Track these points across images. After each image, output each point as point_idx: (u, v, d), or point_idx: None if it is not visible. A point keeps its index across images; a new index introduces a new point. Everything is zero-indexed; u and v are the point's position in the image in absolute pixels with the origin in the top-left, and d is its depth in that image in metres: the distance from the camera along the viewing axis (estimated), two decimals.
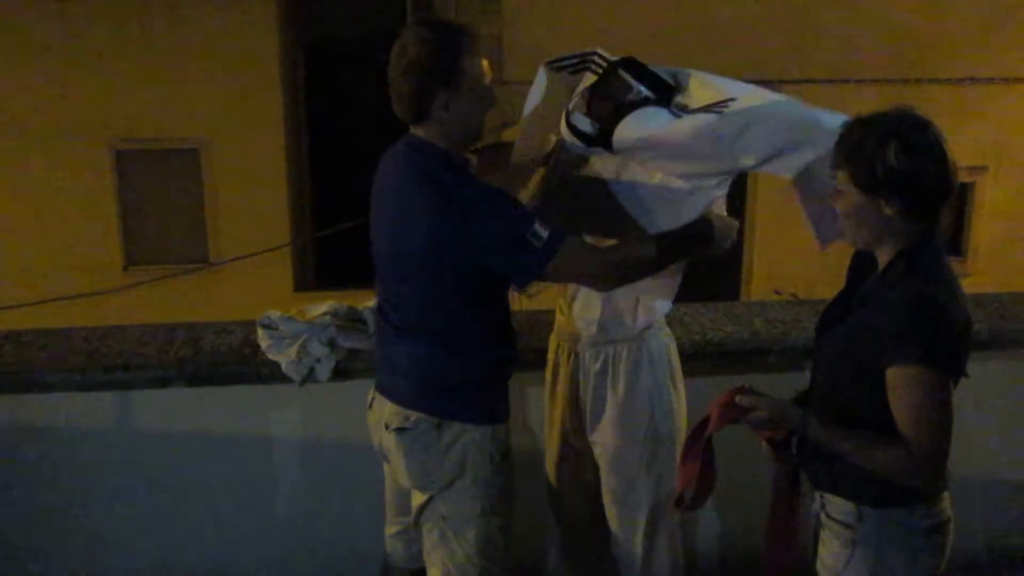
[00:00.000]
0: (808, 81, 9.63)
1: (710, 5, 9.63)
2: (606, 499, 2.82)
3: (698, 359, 3.15)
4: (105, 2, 9.53)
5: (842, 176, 2.07)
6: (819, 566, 2.26)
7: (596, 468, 2.83)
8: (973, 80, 9.99)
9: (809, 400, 2.30)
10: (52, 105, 9.58)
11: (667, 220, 2.52)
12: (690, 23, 9.44)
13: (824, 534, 2.23)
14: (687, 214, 2.53)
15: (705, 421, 2.22)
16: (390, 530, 2.80)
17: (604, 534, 2.90)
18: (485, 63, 2.38)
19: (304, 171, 10.66)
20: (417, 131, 2.40)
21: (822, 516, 2.23)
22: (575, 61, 2.66)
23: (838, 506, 2.18)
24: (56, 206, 9.77)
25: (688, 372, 2.82)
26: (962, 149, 10.45)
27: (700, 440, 2.23)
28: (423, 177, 2.35)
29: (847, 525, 2.16)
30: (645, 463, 2.72)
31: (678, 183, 2.53)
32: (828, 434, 2.10)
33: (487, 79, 2.39)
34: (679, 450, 2.75)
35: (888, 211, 2.03)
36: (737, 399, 2.14)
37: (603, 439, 2.75)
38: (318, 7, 10.54)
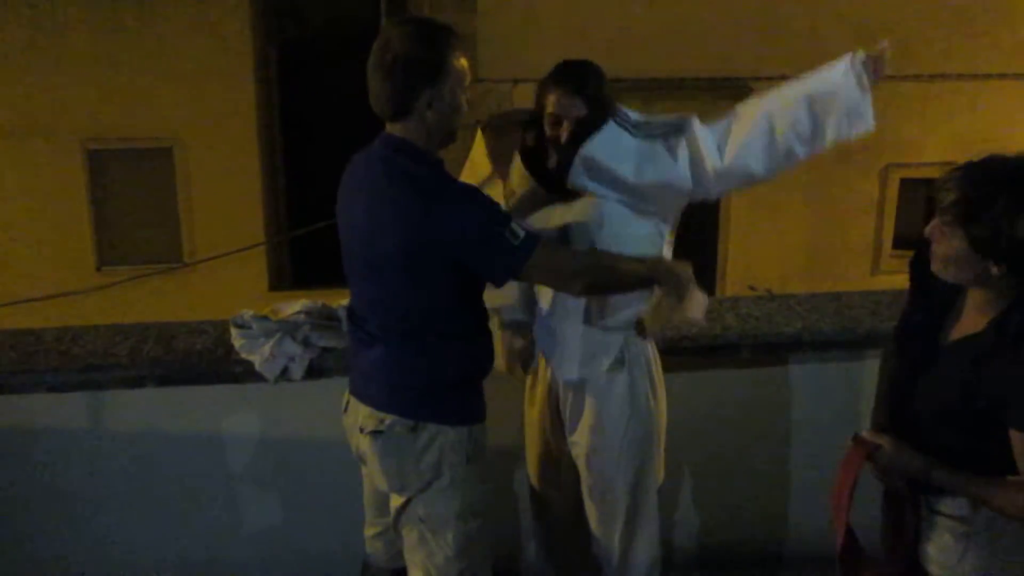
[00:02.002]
0: (779, 78, 9.69)
1: (682, 3, 9.66)
2: (585, 498, 2.84)
3: (671, 354, 3.15)
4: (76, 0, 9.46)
5: (953, 227, 1.96)
6: (925, 562, 2.21)
7: (575, 468, 2.85)
8: (943, 76, 10.08)
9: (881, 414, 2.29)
10: (22, 104, 9.50)
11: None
12: (662, 21, 9.47)
13: (931, 531, 2.18)
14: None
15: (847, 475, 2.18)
16: (370, 531, 2.80)
17: (584, 533, 2.92)
18: (466, 63, 2.38)
19: (278, 169, 10.62)
20: (394, 128, 2.37)
21: (925, 512, 2.19)
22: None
23: (949, 501, 2.14)
24: (28, 206, 9.69)
25: (662, 367, 2.82)
26: (933, 146, 10.57)
27: (845, 494, 2.18)
28: (400, 175, 2.33)
29: (961, 519, 2.12)
30: (623, 464, 2.74)
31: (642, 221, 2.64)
32: (953, 482, 2.05)
33: (468, 80, 2.39)
34: (658, 448, 2.78)
35: (995, 271, 1.96)
36: (863, 434, 2.13)
37: (581, 440, 2.76)
38: (291, 4, 10.51)
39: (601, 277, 2.44)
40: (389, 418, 2.44)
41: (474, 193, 2.35)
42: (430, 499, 2.47)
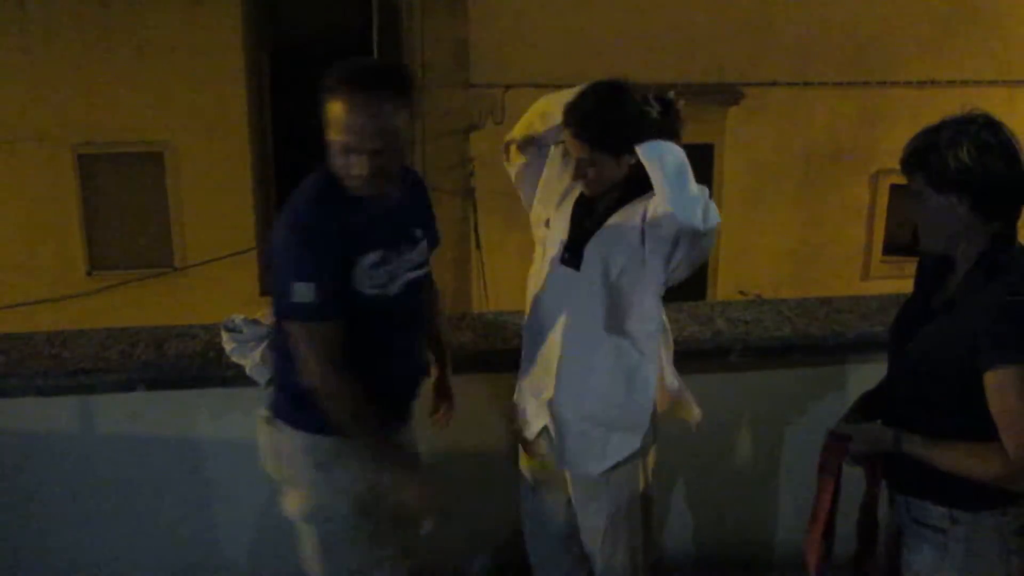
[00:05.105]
0: (770, 84, 9.75)
1: (673, 8, 9.70)
2: (573, 500, 2.85)
3: None
4: (67, 4, 9.46)
5: (917, 180, 2.09)
6: (905, 571, 2.25)
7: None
8: (933, 83, 10.13)
9: (876, 401, 2.33)
10: (13, 108, 9.49)
11: None
12: (653, 26, 9.50)
13: (911, 540, 2.22)
14: None
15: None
16: None
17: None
18: (338, 110, 2.32)
19: (269, 174, 10.62)
20: None
21: (907, 521, 2.23)
22: None
23: (929, 511, 2.17)
24: (18, 210, 9.68)
25: None
26: None
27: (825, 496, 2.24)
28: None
29: (939, 530, 2.15)
30: (605, 475, 2.75)
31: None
32: (924, 449, 2.10)
33: (341, 129, 2.33)
34: (646, 466, 2.79)
35: (961, 210, 2.05)
36: (835, 429, 2.23)
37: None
38: (283, 9, 10.52)
39: (333, 405, 2.39)
40: (266, 411, 2.59)
41: (310, 230, 2.36)
42: (285, 494, 2.60)
